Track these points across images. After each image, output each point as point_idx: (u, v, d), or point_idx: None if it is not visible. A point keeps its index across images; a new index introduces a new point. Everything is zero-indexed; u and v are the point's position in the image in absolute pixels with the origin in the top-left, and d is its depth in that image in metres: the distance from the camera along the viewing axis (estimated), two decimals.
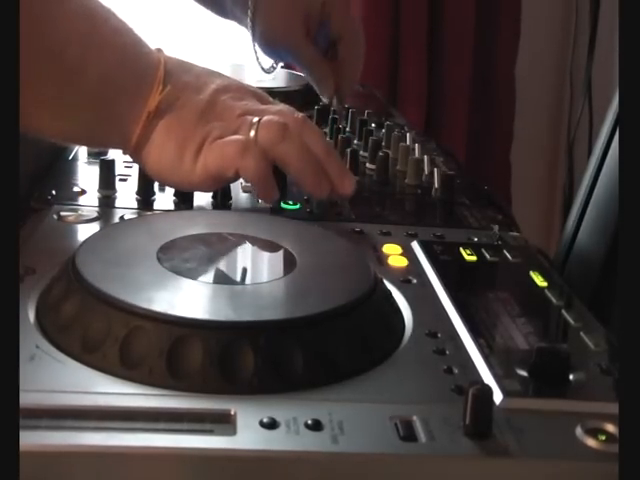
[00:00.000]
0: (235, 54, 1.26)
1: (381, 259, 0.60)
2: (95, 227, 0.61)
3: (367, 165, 0.83)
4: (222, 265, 0.53)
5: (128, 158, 0.66)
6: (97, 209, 0.65)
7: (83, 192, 0.68)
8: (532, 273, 0.59)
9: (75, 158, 0.78)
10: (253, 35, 0.96)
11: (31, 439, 0.37)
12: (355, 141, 0.90)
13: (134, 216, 0.64)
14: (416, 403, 0.42)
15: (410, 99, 1.65)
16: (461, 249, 0.62)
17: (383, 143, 0.87)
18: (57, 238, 0.59)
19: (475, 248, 0.62)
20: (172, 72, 0.63)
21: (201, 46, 1.56)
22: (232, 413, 0.40)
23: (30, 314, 0.47)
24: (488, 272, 0.61)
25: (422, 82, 1.67)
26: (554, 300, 0.55)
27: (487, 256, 0.61)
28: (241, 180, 0.71)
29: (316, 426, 0.39)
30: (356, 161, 0.80)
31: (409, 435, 0.39)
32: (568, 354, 0.45)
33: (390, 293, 0.53)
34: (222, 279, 0.50)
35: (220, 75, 0.67)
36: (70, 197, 0.67)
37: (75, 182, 0.71)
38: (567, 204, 1.69)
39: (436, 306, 0.53)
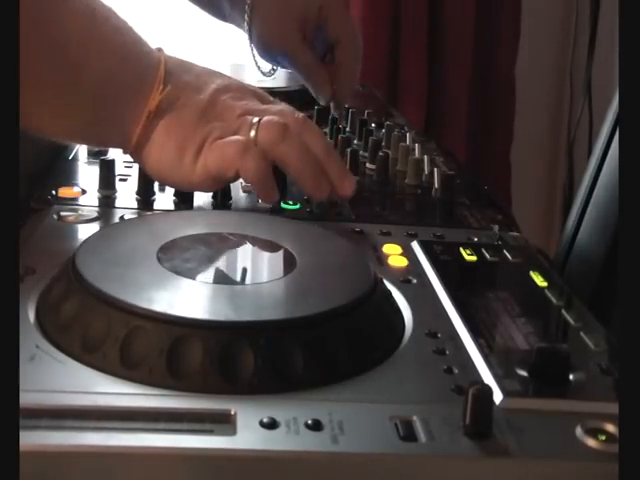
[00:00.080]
0: (235, 54, 1.25)
1: (381, 259, 0.60)
2: (95, 227, 0.61)
3: (367, 165, 0.83)
4: (222, 265, 0.53)
5: (128, 158, 0.66)
6: (97, 209, 0.65)
7: (83, 192, 0.69)
8: (532, 273, 0.59)
9: (75, 158, 0.78)
10: (250, 39, 0.96)
11: (31, 439, 0.37)
12: (355, 141, 0.90)
13: (134, 216, 0.64)
14: (416, 403, 0.42)
15: (410, 99, 1.65)
16: (461, 249, 0.62)
17: (383, 143, 0.87)
18: (57, 238, 0.59)
19: (475, 248, 0.62)
20: (173, 71, 0.63)
21: (201, 46, 1.56)
22: (232, 413, 0.40)
23: (30, 314, 0.47)
24: (488, 272, 0.61)
25: (422, 82, 1.67)
26: (554, 300, 0.55)
27: (487, 256, 0.61)
28: (241, 180, 0.71)
29: (316, 426, 0.39)
30: (356, 161, 0.80)
31: (409, 435, 0.39)
32: (568, 354, 0.45)
33: (390, 293, 0.53)
34: (222, 279, 0.50)
35: (221, 75, 0.67)
36: (70, 197, 0.67)
37: (75, 182, 0.71)
38: (567, 204, 1.69)
39: (436, 306, 0.53)
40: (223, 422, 0.39)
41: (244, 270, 0.52)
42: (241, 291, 0.49)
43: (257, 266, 0.55)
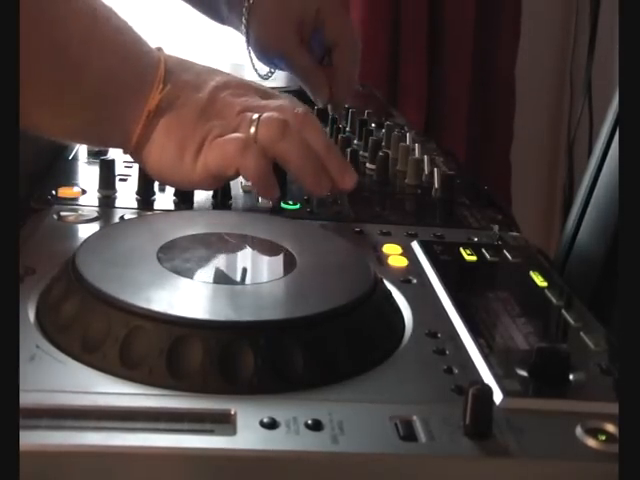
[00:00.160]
0: (235, 54, 1.26)
1: (381, 259, 0.60)
2: (95, 227, 0.61)
3: (367, 165, 0.83)
4: (222, 265, 0.53)
5: (128, 158, 0.66)
6: (97, 209, 0.65)
7: (83, 192, 0.69)
8: (532, 273, 0.59)
9: (75, 158, 0.78)
10: (248, 42, 0.96)
11: (31, 439, 0.37)
12: (355, 141, 0.90)
13: (134, 216, 0.64)
14: (416, 403, 0.42)
15: (410, 101, 1.65)
16: (461, 249, 0.62)
17: (383, 143, 0.87)
18: (57, 238, 0.59)
19: (475, 248, 0.62)
20: (172, 71, 0.63)
21: (201, 46, 1.56)
22: (232, 413, 0.40)
23: (30, 314, 0.47)
24: (488, 272, 0.61)
25: (422, 84, 1.67)
26: (554, 300, 0.55)
27: (487, 256, 0.61)
28: (241, 180, 0.71)
29: (316, 426, 0.39)
30: (356, 161, 0.80)
31: (409, 435, 0.39)
32: (568, 354, 0.45)
33: (390, 293, 0.53)
34: (222, 279, 0.50)
35: (220, 72, 0.67)
36: (70, 197, 0.67)
37: (75, 182, 0.71)
38: (567, 204, 1.69)
39: (436, 306, 0.53)
40: (223, 422, 0.39)
41: (244, 270, 0.52)
42: (241, 291, 0.49)
43: (257, 266, 0.55)
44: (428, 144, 0.92)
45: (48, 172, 0.74)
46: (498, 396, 0.42)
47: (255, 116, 0.62)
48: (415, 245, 0.63)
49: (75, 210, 0.64)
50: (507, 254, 0.62)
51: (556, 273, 0.61)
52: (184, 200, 0.68)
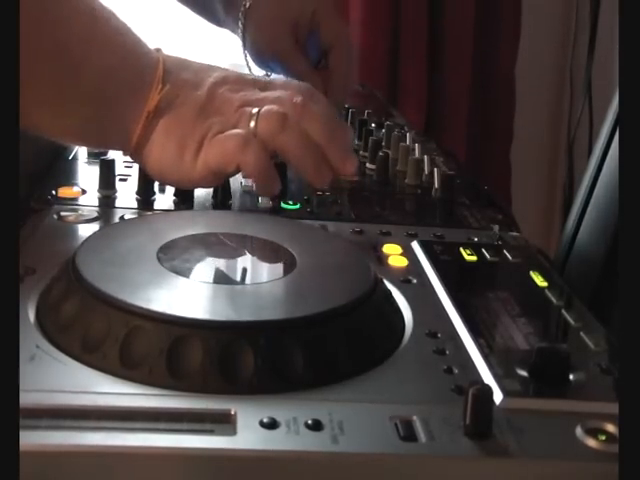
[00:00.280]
0: (235, 54, 1.25)
1: (381, 259, 0.60)
2: (95, 227, 0.61)
3: (367, 165, 0.83)
4: (222, 265, 0.53)
5: (128, 158, 0.66)
6: (97, 209, 0.65)
7: (83, 192, 0.69)
8: (532, 273, 0.59)
9: (75, 158, 0.78)
10: (244, 45, 0.96)
11: (31, 439, 0.37)
12: (355, 141, 0.90)
13: (134, 216, 0.64)
14: (416, 403, 0.42)
15: (410, 102, 1.65)
16: (461, 249, 0.62)
17: (383, 143, 0.87)
18: (57, 238, 0.59)
19: (475, 248, 0.62)
20: (171, 70, 0.63)
21: (201, 46, 1.56)
22: (232, 413, 0.40)
23: (30, 314, 0.47)
24: (488, 272, 0.61)
25: (422, 84, 1.67)
26: (554, 300, 0.55)
27: (487, 256, 0.61)
28: (242, 180, 0.71)
29: (316, 426, 0.39)
30: None
31: (409, 435, 0.39)
32: (568, 354, 0.45)
33: (390, 293, 0.53)
34: (222, 279, 0.50)
35: (218, 67, 0.67)
36: (70, 197, 0.67)
37: (75, 182, 0.71)
38: (567, 204, 1.69)
39: (436, 306, 0.53)
40: (223, 422, 0.39)
41: (244, 270, 0.52)
42: (241, 291, 0.49)
43: (257, 266, 0.55)
44: (428, 144, 0.92)
45: (48, 172, 0.74)
46: (498, 396, 0.42)
47: (254, 110, 0.62)
48: (415, 245, 0.63)
49: (75, 210, 0.64)
50: (507, 254, 0.62)
51: (556, 273, 0.61)
52: (184, 200, 0.68)
